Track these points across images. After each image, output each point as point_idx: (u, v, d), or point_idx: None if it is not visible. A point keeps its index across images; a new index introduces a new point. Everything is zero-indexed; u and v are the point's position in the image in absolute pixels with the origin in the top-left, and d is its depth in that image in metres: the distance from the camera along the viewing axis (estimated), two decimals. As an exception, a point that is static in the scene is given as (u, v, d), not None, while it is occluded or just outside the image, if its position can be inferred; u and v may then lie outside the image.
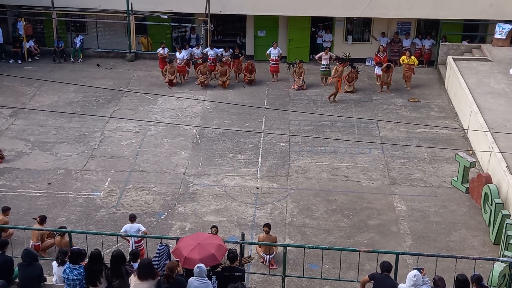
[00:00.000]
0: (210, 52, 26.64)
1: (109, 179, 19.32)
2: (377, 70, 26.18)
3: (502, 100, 22.15)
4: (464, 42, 28.51)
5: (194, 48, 27.08)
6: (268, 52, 26.72)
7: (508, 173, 17.45)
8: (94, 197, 18.41)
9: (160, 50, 26.87)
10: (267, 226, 15.39)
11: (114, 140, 21.67)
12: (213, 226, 15.25)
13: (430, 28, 29.39)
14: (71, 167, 19.93)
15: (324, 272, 14.66)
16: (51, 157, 20.51)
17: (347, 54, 26.26)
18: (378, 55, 26.36)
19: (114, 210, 17.80)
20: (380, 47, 26.89)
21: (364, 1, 27.26)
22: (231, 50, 26.98)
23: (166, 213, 17.72)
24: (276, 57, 26.62)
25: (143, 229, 15.19)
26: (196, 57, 26.83)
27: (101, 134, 22.05)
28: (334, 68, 24.77)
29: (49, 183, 19.06)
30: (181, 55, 26.16)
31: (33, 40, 28.73)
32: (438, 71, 27.81)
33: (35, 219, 15.59)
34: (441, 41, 27.98)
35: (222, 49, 26.88)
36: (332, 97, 24.68)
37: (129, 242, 15.15)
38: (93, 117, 22.76)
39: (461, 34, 29.10)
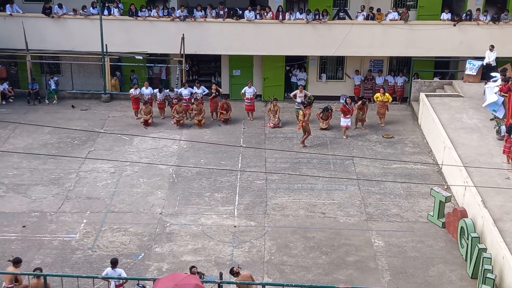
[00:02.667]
0: (185, 92, 26.71)
1: (84, 221, 19.09)
2: (343, 122, 25.06)
3: (475, 135, 22.45)
4: (436, 79, 28.98)
5: (168, 90, 27.14)
6: (243, 91, 26.88)
7: (483, 207, 17.59)
8: (70, 239, 18.15)
9: (132, 90, 26.89)
10: (232, 269, 14.95)
11: (89, 181, 21.48)
12: (193, 266, 15.07)
13: (402, 65, 29.86)
14: (46, 209, 19.68)
15: (304, 310, 14.54)
16: (25, 200, 20.24)
17: (311, 98, 26.07)
18: (347, 106, 25.07)
19: (90, 252, 17.55)
20: (347, 99, 25.55)
21: (337, 40, 27.68)
22: (203, 87, 26.99)
23: (143, 254, 17.52)
24: (251, 96, 26.77)
25: (124, 275, 14.98)
26: (172, 97, 26.90)
27: (76, 175, 21.86)
28: (301, 113, 24.44)
29: (23, 226, 18.77)
30: (148, 91, 26.67)
31: (7, 82, 28.59)
32: (411, 108, 28.16)
33: (10, 260, 15.31)
34: (413, 78, 28.41)
35: (195, 88, 26.96)
36: (304, 141, 24.38)
37: (110, 286, 14.91)
38: (68, 159, 22.59)
39: (432, 71, 29.58)
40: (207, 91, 26.90)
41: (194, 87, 27.06)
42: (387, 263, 17.25)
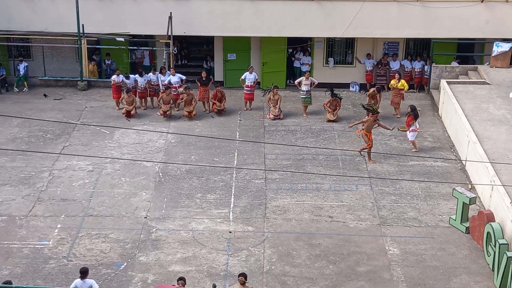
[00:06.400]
0: (174, 79, 26.68)
1: (59, 226, 19.09)
2: (410, 137, 23.54)
3: (503, 127, 22.47)
4: (454, 63, 28.86)
5: (150, 74, 27.09)
6: (243, 77, 26.82)
7: (513, 209, 17.63)
8: (42, 246, 18.15)
9: (114, 77, 26.85)
10: (243, 275, 15.29)
11: (64, 180, 21.48)
12: (180, 278, 15.13)
13: (420, 48, 29.85)
14: (14, 213, 19.67)
15: (309, 327, 14.59)
16: (-9, 202, 20.29)
17: (373, 107, 24.04)
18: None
19: (65, 261, 17.55)
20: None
21: (346, 19, 27.64)
22: (178, 74, 26.88)
23: (125, 264, 17.53)
24: (252, 83, 26.74)
25: (96, 286, 15.01)
26: (153, 83, 26.88)
27: (49, 174, 21.86)
28: (364, 120, 23.22)
29: (-11, 232, 18.81)
30: (130, 80, 26.72)
31: (-30, 67, 28.60)
32: (430, 96, 28.17)
33: None
34: (433, 62, 28.39)
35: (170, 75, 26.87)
36: (363, 151, 23.20)
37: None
38: (40, 155, 22.56)
39: (455, 55, 29.54)
40: (184, 77, 26.85)
41: (169, 73, 26.89)
42: (403, 273, 17.28)
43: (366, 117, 23.58)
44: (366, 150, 22.95)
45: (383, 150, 23.55)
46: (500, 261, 16.58)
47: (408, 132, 23.70)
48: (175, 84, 26.58)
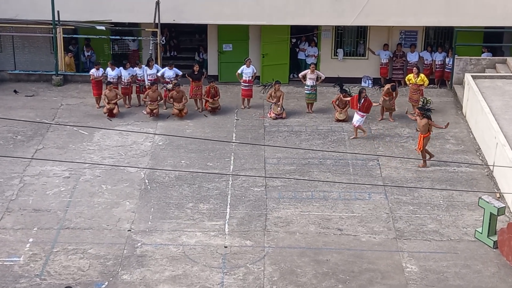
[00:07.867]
0: (169, 73, 26.60)
1: (31, 240, 19.07)
2: (357, 121, 24.64)
3: (536, 128, 22.54)
4: (486, 54, 28.84)
5: (136, 68, 27.05)
6: (239, 71, 26.84)
7: (547, 221, 17.62)
8: (12, 263, 18.12)
9: (93, 71, 26.84)
10: None
11: (37, 188, 21.48)
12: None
13: (441, 38, 29.86)
14: (-20, 225, 19.71)
15: None
16: (-46, 212, 20.29)
17: (430, 102, 24.21)
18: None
19: (38, 280, 17.53)
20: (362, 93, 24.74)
21: (357, 5, 27.64)
22: (175, 69, 26.90)
23: (106, 283, 17.51)
24: (250, 78, 26.75)
25: None
26: (139, 78, 26.85)
27: (20, 181, 21.85)
28: (422, 123, 22.81)
29: (-49, 247, 18.79)
30: (114, 73, 26.69)
31: None
32: (453, 93, 28.19)
33: None
34: (456, 54, 28.39)
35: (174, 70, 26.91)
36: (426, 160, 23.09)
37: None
38: (9, 159, 22.55)
39: (481, 45, 29.52)
40: (180, 73, 26.86)
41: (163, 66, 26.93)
42: (422, 294, 17.31)
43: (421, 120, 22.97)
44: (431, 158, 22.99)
45: (399, 153, 23.54)
46: (533, 279, 16.61)
47: (356, 113, 24.41)
48: (167, 78, 26.52)
